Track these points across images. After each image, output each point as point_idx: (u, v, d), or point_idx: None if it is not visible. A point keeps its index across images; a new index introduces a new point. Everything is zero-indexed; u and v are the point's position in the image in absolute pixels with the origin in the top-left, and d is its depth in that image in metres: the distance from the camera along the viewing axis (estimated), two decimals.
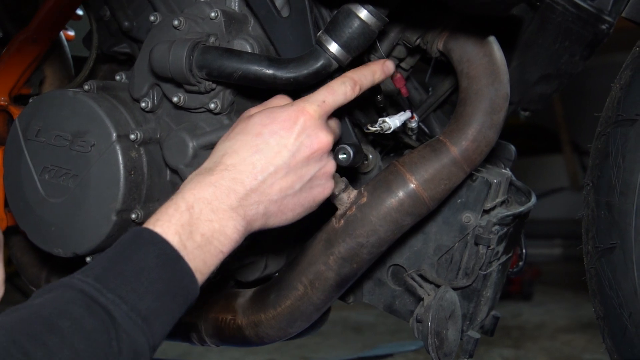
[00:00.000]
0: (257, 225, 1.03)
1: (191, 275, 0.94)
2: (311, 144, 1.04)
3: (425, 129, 1.43)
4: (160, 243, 0.92)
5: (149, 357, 0.89)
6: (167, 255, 0.92)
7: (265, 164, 1.01)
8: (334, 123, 1.13)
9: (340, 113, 1.16)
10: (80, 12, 1.59)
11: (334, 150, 1.16)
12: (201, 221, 0.96)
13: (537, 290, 4.80)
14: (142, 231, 0.94)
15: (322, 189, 1.08)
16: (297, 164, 1.03)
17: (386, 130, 1.17)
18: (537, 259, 5.45)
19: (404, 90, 1.25)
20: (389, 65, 1.14)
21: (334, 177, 1.16)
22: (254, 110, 1.09)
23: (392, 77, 1.24)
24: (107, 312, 0.86)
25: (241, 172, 1.00)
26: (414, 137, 1.36)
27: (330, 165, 1.08)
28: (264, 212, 1.02)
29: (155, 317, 0.89)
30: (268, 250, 1.38)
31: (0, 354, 0.78)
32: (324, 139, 1.05)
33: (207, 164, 1.03)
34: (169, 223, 0.94)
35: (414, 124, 1.27)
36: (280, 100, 1.11)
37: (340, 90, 1.08)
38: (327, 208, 1.19)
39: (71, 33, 1.71)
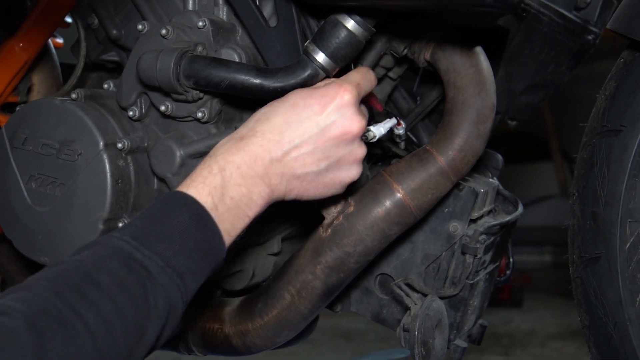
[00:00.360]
0: (279, 195, 1.03)
1: (219, 237, 0.97)
2: (343, 125, 1.03)
3: (413, 138, 1.43)
4: (192, 204, 0.95)
5: (182, 311, 0.93)
6: (199, 216, 0.95)
7: (293, 136, 1.02)
8: (364, 109, 1.12)
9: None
10: (68, 19, 1.59)
11: None
12: (231, 185, 0.98)
13: (527, 297, 4.81)
14: (176, 194, 0.97)
15: (350, 173, 1.07)
16: (326, 142, 1.02)
17: (371, 139, 1.17)
18: (528, 265, 5.47)
19: (378, 106, 1.24)
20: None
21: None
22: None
23: None
24: (144, 267, 0.89)
25: (269, 140, 1.01)
26: (402, 144, 1.37)
27: (362, 150, 1.06)
28: (286, 184, 1.03)
29: (188, 274, 0.92)
30: (256, 258, 1.38)
31: (46, 305, 0.81)
32: (357, 123, 1.03)
33: (241, 128, 1.05)
34: (203, 185, 0.97)
35: (401, 131, 1.27)
36: (328, 80, 1.12)
37: (368, 77, 1.10)
38: (314, 217, 1.20)
39: (59, 40, 1.71)
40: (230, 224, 0.98)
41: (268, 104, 1.07)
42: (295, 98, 1.04)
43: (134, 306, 0.86)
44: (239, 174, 0.99)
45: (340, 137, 1.03)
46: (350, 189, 1.11)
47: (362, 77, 1.08)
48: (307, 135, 1.02)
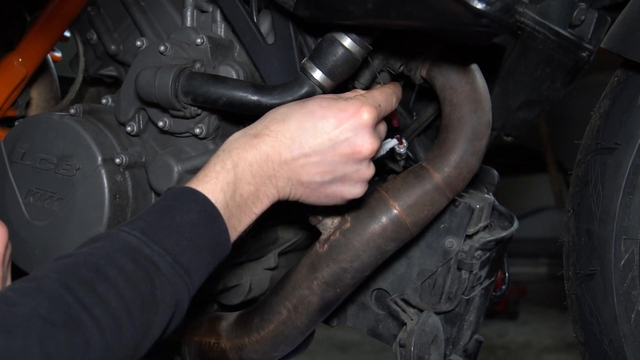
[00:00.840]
0: (284, 195, 1.05)
1: (226, 234, 0.98)
2: (355, 144, 1.03)
3: (410, 154, 1.44)
4: (202, 201, 0.96)
5: (187, 305, 0.94)
6: (208, 212, 0.96)
7: (304, 143, 1.02)
8: (382, 128, 1.12)
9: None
10: (67, 34, 1.59)
11: None
12: (243, 183, 1.00)
13: (522, 309, 4.81)
14: (185, 189, 0.98)
15: (353, 190, 1.07)
16: (334, 158, 1.03)
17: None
18: (523, 278, 5.46)
19: (395, 122, 1.26)
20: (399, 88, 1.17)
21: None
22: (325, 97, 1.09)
23: None
24: (153, 262, 0.90)
25: (281, 142, 1.02)
26: (401, 162, 1.37)
27: (369, 171, 1.06)
28: (290, 188, 1.04)
29: (195, 270, 0.94)
30: (252, 273, 1.39)
31: (54, 297, 0.81)
32: (370, 144, 1.03)
33: (256, 124, 1.05)
34: (217, 180, 0.99)
35: (402, 149, 1.28)
36: (354, 92, 1.12)
37: (390, 100, 1.10)
38: (312, 232, 1.20)
39: (58, 54, 1.72)
40: (238, 221, 1.00)
41: (287, 105, 1.07)
42: (314, 106, 1.04)
43: (141, 301, 0.87)
44: (249, 172, 1.00)
45: (349, 155, 1.03)
46: (350, 204, 1.12)
47: (385, 99, 1.09)
48: (317, 146, 1.02)
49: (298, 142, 1.02)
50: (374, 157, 1.17)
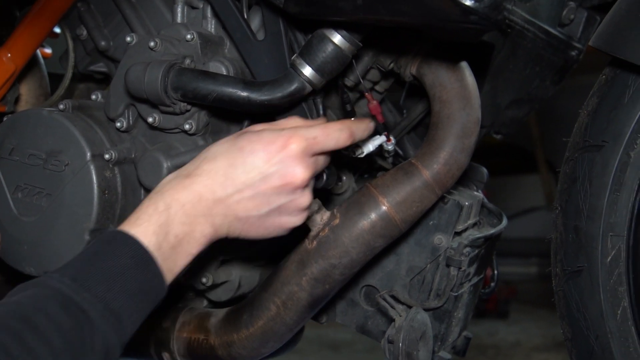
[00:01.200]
0: (222, 234, 1.05)
1: (160, 277, 0.97)
2: (285, 176, 1.03)
3: (399, 151, 1.44)
4: (134, 245, 0.96)
5: (119, 353, 0.93)
6: (140, 257, 0.95)
7: (236, 180, 1.03)
8: (322, 160, 1.09)
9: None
10: (57, 30, 1.59)
11: None
12: (175, 223, 0.99)
13: (513, 308, 4.83)
14: (117, 233, 0.97)
15: (292, 219, 1.08)
16: (267, 190, 1.03)
17: (359, 155, 1.18)
18: (514, 277, 5.49)
19: (379, 118, 1.26)
20: (371, 126, 1.13)
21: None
22: (259, 126, 1.09)
23: (368, 104, 1.26)
24: (83, 310, 0.89)
25: (214, 181, 1.02)
26: (390, 159, 1.38)
27: (304, 200, 1.06)
28: (229, 225, 1.04)
29: (127, 316, 0.93)
30: (242, 270, 1.39)
31: None
32: (299, 175, 1.03)
33: (189, 165, 1.06)
34: (149, 223, 0.98)
35: (390, 147, 1.29)
36: (293, 121, 1.10)
37: (334, 135, 1.06)
38: (301, 229, 1.20)
39: (48, 50, 1.72)
40: (173, 262, 0.99)
41: (218, 143, 1.07)
42: (244, 141, 1.04)
43: (71, 351, 0.86)
44: (183, 213, 1.00)
45: (281, 186, 1.03)
46: (298, 229, 1.12)
47: (325, 134, 1.05)
48: (249, 181, 1.03)
49: (230, 179, 1.02)
50: (362, 154, 1.18)
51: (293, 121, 1.10)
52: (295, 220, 1.08)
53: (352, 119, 1.17)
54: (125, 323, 0.93)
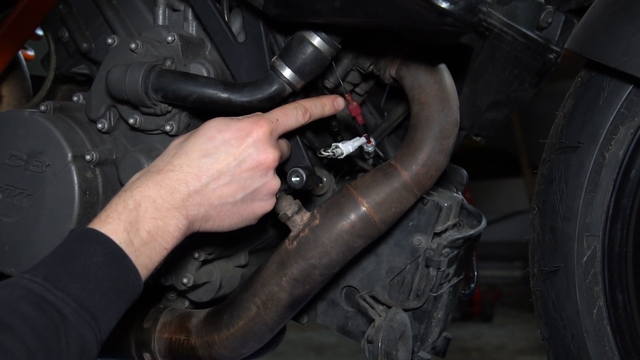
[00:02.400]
0: (197, 226, 1.06)
1: (135, 273, 0.98)
2: (258, 157, 1.07)
3: (380, 153, 1.46)
4: (105, 242, 0.96)
5: (96, 351, 0.93)
6: (112, 254, 0.96)
7: (211, 168, 1.05)
8: (284, 143, 1.17)
9: (292, 136, 1.19)
10: (40, 32, 1.59)
11: (287, 172, 1.19)
12: (147, 219, 1.00)
13: (497, 311, 4.85)
14: (88, 231, 0.97)
15: (264, 204, 1.11)
16: (242, 174, 1.07)
17: (338, 156, 1.19)
18: (498, 280, 5.51)
19: (359, 119, 1.27)
20: (339, 102, 1.21)
21: (286, 199, 1.18)
22: (217, 120, 1.11)
23: (347, 105, 1.27)
24: (57, 309, 0.89)
25: (187, 174, 1.04)
26: (370, 161, 1.39)
27: (274, 183, 1.11)
28: (204, 215, 1.06)
29: (102, 313, 0.93)
30: (223, 270, 1.39)
31: None
32: (271, 155, 1.08)
33: (157, 162, 1.07)
34: (119, 220, 0.98)
35: (370, 148, 1.30)
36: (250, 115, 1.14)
37: (292, 114, 1.13)
38: (282, 230, 1.21)
39: (30, 53, 1.72)
40: (148, 258, 1.00)
41: (183, 138, 1.09)
42: (213, 132, 1.07)
43: (46, 350, 0.86)
44: (154, 208, 1.01)
45: (255, 168, 1.07)
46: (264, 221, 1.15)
47: (284, 114, 1.12)
48: (225, 168, 1.06)
49: (205, 169, 1.05)
50: (342, 155, 1.19)
51: (251, 115, 1.14)
52: (266, 205, 1.12)
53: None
54: (101, 321, 0.93)
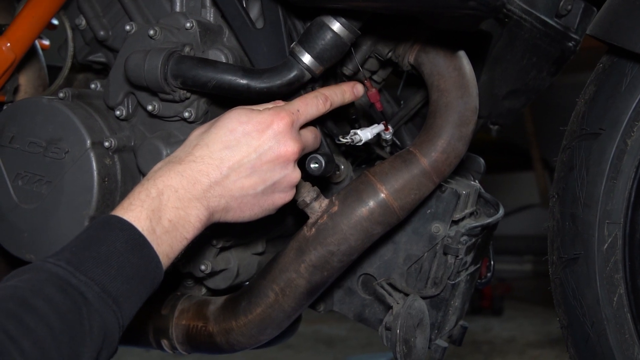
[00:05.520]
0: (217, 217, 1.07)
1: (157, 261, 0.98)
2: (278, 149, 1.07)
3: (397, 141, 1.45)
4: (128, 229, 0.96)
5: (118, 336, 0.94)
6: (135, 241, 0.96)
7: (232, 160, 1.05)
8: (309, 133, 1.16)
9: (312, 123, 1.18)
10: (55, 21, 1.59)
11: (306, 159, 1.19)
12: (169, 208, 1.00)
13: (507, 305, 4.84)
14: (111, 218, 0.98)
15: (283, 195, 1.11)
16: (262, 167, 1.07)
17: (357, 143, 1.19)
18: (508, 274, 5.51)
19: (378, 105, 1.27)
20: (358, 89, 1.20)
21: (304, 186, 1.18)
22: (238, 109, 1.11)
23: (366, 91, 1.27)
24: (80, 292, 0.89)
25: (208, 165, 1.04)
26: (387, 148, 1.39)
27: (295, 175, 1.11)
28: (224, 206, 1.06)
29: (124, 299, 0.94)
30: (240, 258, 1.40)
31: None
32: (291, 147, 1.08)
33: (179, 152, 1.07)
34: (142, 208, 0.98)
35: (388, 136, 1.30)
36: (271, 103, 1.14)
37: (312, 103, 1.13)
38: (299, 217, 1.21)
39: (46, 42, 1.72)
40: (169, 246, 1.00)
41: (204, 129, 1.09)
42: (234, 124, 1.07)
43: (70, 332, 0.87)
44: (176, 197, 1.01)
45: (275, 160, 1.07)
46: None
47: (305, 104, 1.12)
48: (246, 160, 1.06)
49: (226, 161, 1.05)
50: (360, 142, 1.19)
51: (271, 103, 1.14)
52: (286, 196, 1.12)
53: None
54: (123, 306, 0.93)
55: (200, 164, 1.04)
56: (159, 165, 1.06)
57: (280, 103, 1.13)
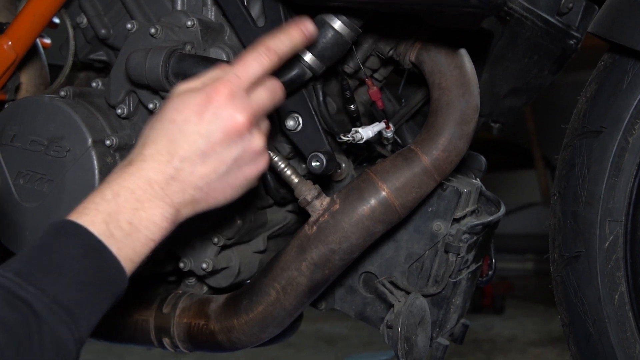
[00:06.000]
0: (187, 211, 1.00)
1: (118, 265, 0.92)
2: (224, 126, 0.98)
3: (398, 139, 1.45)
4: (82, 234, 0.91)
5: (75, 348, 0.88)
6: (90, 246, 0.91)
7: (181, 153, 0.98)
8: (263, 92, 1.03)
9: (311, 121, 1.18)
10: (56, 20, 1.59)
11: (307, 158, 1.18)
12: (127, 209, 0.94)
13: (508, 304, 4.84)
14: (65, 223, 0.92)
15: (254, 166, 1.03)
16: (215, 148, 0.99)
17: (358, 141, 1.19)
18: (509, 273, 5.50)
19: (379, 103, 1.27)
20: (307, 26, 1.04)
21: (304, 183, 1.17)
22: (183, 86, 1.03)
23: (368, 90, 1.27)
24: (28, 305, 0.85)
25: (159, 162, 0.98)
26: (389, 147, 1.39)
27: (257, 141, 1.01)
28: (190, 199, 0.99)
29: (79, 309, 0.88)
30: (241, 256, 1.40)
31: None
32: (238, 118, 0.98)
33: (130, 154, 1.01)
34: (97, 211, 0.93)
35: (389, 134, 1.30)
36: (213, 72, 1.04)
37: (253, 60, 1.01)
38: (300, 215, 1.21)
39: (47, 41, 1.72)
40: (132, 250, 0.94)
41: (149, 125, 1.02)
42: (173, 114, 0.99)
43: (16, 347, 0.82)
44: (134, 199, 0.95)
45: (225, 138, 0.99)
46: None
47: (245, 65, 1.00)
48: (195, 148, 0.98)
49: (176, 154, 0.98)
50: (361, 140, 1.19)
51: (214, 72, 1.04)
52: (258, 166, 1.03)
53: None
54: (78, 316, 0.88)
55: (150, 162, 0.98)
56: (114, 169, 1.00)
57: (218, 69, 1.04)
